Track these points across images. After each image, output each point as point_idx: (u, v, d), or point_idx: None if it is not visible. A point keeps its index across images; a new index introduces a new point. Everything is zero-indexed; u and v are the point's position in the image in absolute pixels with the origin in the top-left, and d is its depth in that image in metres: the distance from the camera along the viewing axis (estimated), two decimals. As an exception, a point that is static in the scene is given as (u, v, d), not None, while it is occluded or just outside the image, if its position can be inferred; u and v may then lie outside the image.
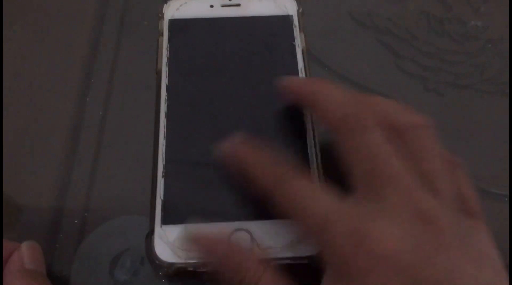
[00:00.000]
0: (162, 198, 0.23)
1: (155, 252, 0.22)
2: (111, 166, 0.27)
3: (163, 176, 0.24)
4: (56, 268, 0.24)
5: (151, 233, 0.23)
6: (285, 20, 0.29)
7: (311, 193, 0.19)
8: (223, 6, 0.30)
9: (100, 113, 0.29)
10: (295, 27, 0.29)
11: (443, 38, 0.32)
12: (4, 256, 0.21)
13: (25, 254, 0.21)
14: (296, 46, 0.28)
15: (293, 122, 0.26)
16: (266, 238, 0.22)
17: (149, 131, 0.26)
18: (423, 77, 0.31)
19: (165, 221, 0.23)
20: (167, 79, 0.27)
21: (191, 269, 0.22)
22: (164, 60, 0.28)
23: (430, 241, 0.16)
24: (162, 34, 0.29)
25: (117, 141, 0.28)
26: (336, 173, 0.24)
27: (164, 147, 0.25)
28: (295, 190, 0.19)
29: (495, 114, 0.30)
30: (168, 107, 0.26)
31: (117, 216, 0.25)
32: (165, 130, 0.25)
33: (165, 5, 0.30)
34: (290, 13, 0.29)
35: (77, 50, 0.31)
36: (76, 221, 0.25)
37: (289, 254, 0.22)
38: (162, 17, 0.29)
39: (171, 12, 0.29)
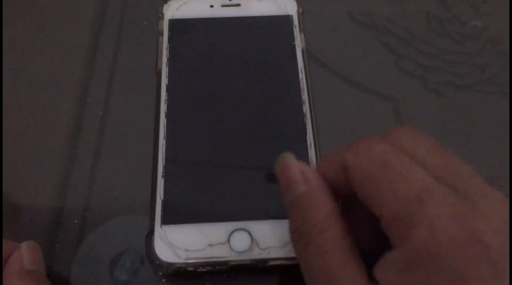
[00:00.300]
0: (162, 198, 0.23)
1: (155, 252, 0.22)
2: (111, 166, 0.27)
3: (163, 176, 0.24)
4: (56, 268, 0.24)
5: (151, 233, 0.23)
6: (285, 20, 0.29)
7: (407, 161, 0.17)
8: (223, 6, 0.30)
9: (100, 113, 0.29)
10: (295, 27, 0.29)
11: (443, 38, 0.32)
12: (4, 256, 0.21)
13: (25, 254, 0.21)
14: (296, 46, 0.28)
15: (293, 121, 0.26)
16: (266, 238, 0.22)
17: (149, 131, 0.26)
18: (423, 77, 0.31)
19: (165, 221, 0.23)
20: (167, 79, 0.27)
21: (191, 269, 0.22)
22: (164, 60, 0.28)
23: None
24: (162, 34, 0.29)
25: (117, 141, 0.28)
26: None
27: (164, 147, 0.25)
28: (389, 154, 0.17)
29: (495, 114, 0.30)
30: (168, 107, 0.26)
31: (117, 216, 0.25)
32: (165, 130, 0.25)
33: (165, 5, 0.30)
34: (290, 13, 0.29)
35: (77, 50, 0.31)
36: (76, 221, 0.25)
37: (288, 254, 0.22)
38: (162, 17, 0.29)
39: (171, 12, 0.29)
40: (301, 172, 0.19)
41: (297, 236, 0.18)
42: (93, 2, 0.33)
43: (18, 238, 0.23)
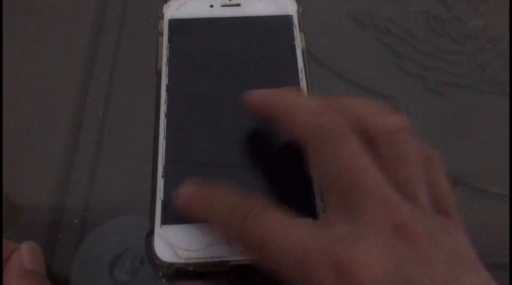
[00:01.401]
0: (162, 198, 0.23)
1: (155, 252, 0.22)
2: (111, 166, 0.27)
3: (163, 176, 0.24)
4: (56, 268, 0.24)
5: (151, 233, 0.23)
6: (285, 20, 0.29)
7: (282, 225, 0.17)
8: (223, 6, 0.30)
9: (100, 113, 0.29)
10: (295, 27, 0.29)
11: (443, 38, 0.32)
12: (4, 257, 0.21)
13: (25, 255, 0.21)
14: (296, 46, 0.28)
15: None
16: None
17: (149, 131, 0.26)
18: (423, 77, 0.31)
19: (165, 221, 0.23)
20: (167, 79, 0.27)
21: (191, 269, 0.22)
22: (164, 60, 0.28)
23: (411, 258, 0.15)
24: (162, 34, 0.29)
25: (117, 141, 0.28)
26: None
27: (164, 147, 0.25)
28: (263, 226, 0.18)
29: (495, 114, 0.30)
30: (168, 107, 0.26)
31: (117, 216, 0.25)
32: (165, 130, 0.25)
33: (165, 5, 0.30)
34: (290, 13, 0.29)
35: (77, 50, 0.31)
36: (76, 221, 0.25)
37: None
38: (162, 17, 0.29)
39: (171, 12, 0.29)
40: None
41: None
42: (93, 2, 0.33)
43: (18, 238, 0.23)
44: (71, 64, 0.30)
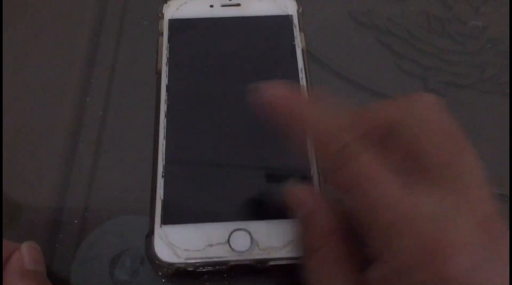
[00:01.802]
0: (162, 198, 0.23)
1: (155, 252, 0.22)
2: (111, 166, 0.27)
3: (163, 176, 0.24)
4: (56, 268, 0.24)
5: (151, 233, 0.23)
6: (285, 20, 0.29)
7: (387, 176, 0.16)
8: (223, 6, 0.30)
9: (100, 113, 0.29)
10: (295, 27, 0.29)
11: (443, 38, 0.32)
12: (4, 257, 0.21)
13: (25, 255, 0.21)
14: (296, 46, 0.28)
15: None
16: (266, 238, 0.22)
17: (149, 131, 0.26)
18: (423, 77, 0.31)
19: (165, 221, 0.23)
20: (167, 79, 0.27)
21: (191, 269, 0.22)
22: (164, 60, 0.28)
23: (492, 255, 0.15)
24: (162, 34, 0.29)
25: (117, 141, 0.28)
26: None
27: (164, 147, 0.25)
28: (368, 166, 0.17)
29: (495, 114, 0.30)
30: (168, 107, 0.26)
31: (117, 216, 0.25)
32: (165, 130, 0.25)
33: (165, 5, 0.30)
34: (290, 13, 0.29)
35: (77, 50, 0.31)
36: (76, 221, 0.25)
37: (288, 254, 0.22)
38: (162, 17, 0.29)
39: (171, 12, 0.29)
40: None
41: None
42: (93, 2, 0.33)
43: (18, 238, 0.23)
44: (71, 64, 0.30)
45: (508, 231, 0.16)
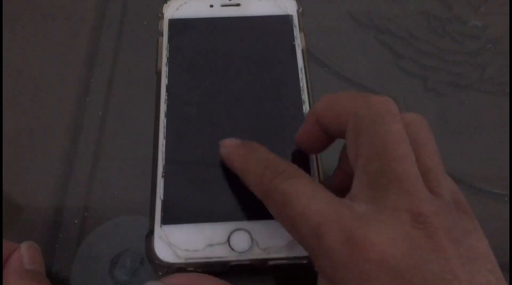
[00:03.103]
0: (162, 198, 0.23)
1: (155, 252, 0.22)
2: (111, 166, 0.27)
3: (163, 176, 0.24)
4: (56, 268, 0.24)
5: (151, 233, 0.23)
6: (285, 20, 0.29)
7: (308, 191, 0.18)
8: (223, 6, 0.30)
9: (100, 113, 0.29)
10: (295, 27, 0.29)
11: (443, 38, 0.32)
12: (3, 257, 0.21)
13: (24, 255, 0.21)
14: (296, 46, 0.28)
15: (293, 121, 0.26)
16: (266, 238, 0.22)
17: (149, 131, 0.26)
18: (423, 77, 0.31)
19: (165, 221, 0.23)
20: (167, 79, 0.27)
21: (191, 269, 0.22)
22: (164, 60, 0.28)
23: (424, 247, 0.16)
24: (162, 34, 0.29)
25: (117, 141, 0.28)
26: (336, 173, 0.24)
27: (164, 147, 0.25)
28: (290, 186, 0.18)
29: (495, 114, 0.30)
30: (168, 107, 0.26)
31: (117, 216, 0.25)
32: (165, 130, 0.25)
33: (164, 5, 0.30)
34: (290, 13, 0.29)
35: (77, 50, 0.31)
36: (76, 221, 0.25)
37: (288, 254, 0.22)
38: (162, 17, 0.29)
39: (171, 12, 0.29)
40: None
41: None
42: (93, 2, 0.33)
43: (18, 238, 0.23)
44: (71, 64, 0.30)
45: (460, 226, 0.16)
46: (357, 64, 0.31)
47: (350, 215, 0.17)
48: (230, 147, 0.23)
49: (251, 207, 0.23)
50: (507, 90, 0.30)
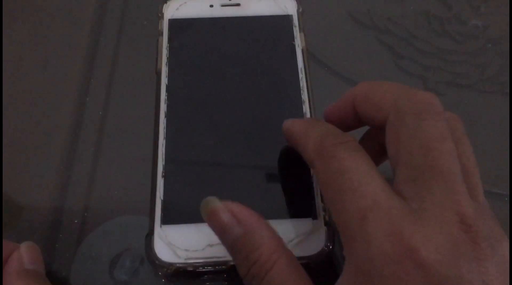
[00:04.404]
0: (162, 198, 0.23)
1: (155, 252, 0.22)
2: (111, 166, 0.27)
3: (163, 176, 0.24)
4: (56, 268, 0.24)
5: (151, 233, 0.23)
6: (285, 20, 0.29)
7: (366, 168, 0.17)
8: (222, 6, 0.30)
9: (100, 113, 0.29)
10: (295, 27, 0.29)
11: (443, 38, 0.32)
12: (3, 257, 0.21)
13: (24, 255, 0.22)
14: (296, 46, 0.28)
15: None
16: None
17: (149, 131, 0.26)
18: (423, 77, 0.31)
19: (165, 221, 0.23)
20: (167, 79, 0.27)
21: (191, 269, 0.22)
22: (164, 60, 0.28)
23: (468, 253, 0.15)
24: (162, 34, 0.29)
25: (117, 141, 0.28)
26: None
27: (164, 147, 0.25)
28: (348, 157, 0.17)
29: (495, 113, 0.29)
30: (168, 107, 0.26)
31: (117, 216, 0.25)
32: (165, 130, 0.25)
33: (164, 5, 0.30)
34: (290, 12, 0.29)
35: (77, 50, 0.31)
36: (76, 221, 0.25)
37: None
38: (161, 17, 0.29)
39: (170, 12, 0.29)
40: (233, 215, 0.18)
41: (250, 279, 0.18)
42: (93, 2, 0.33)
43: (18, 238, 0.23)
44: (71, 64, 0.30)
45: (498, 234, 0.16)
46: (357, 64, 0.31)
47: (401, 209, 0.16)
48: (292, 121, 0.22)
49: (251, 207, 0.23)
50: (507, 90, 0.30)
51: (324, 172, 0.18)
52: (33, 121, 0.28)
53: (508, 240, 0.17)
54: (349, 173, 0.17)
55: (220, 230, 0.19)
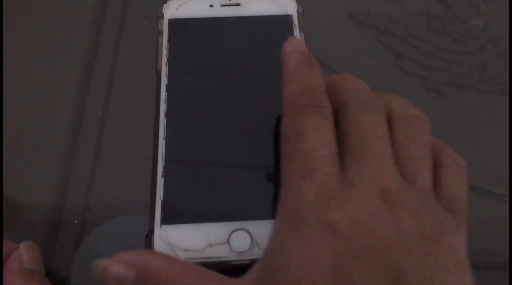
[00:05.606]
0: (162, 198, 0.23)
1: None
2: (111, 166, 0.27)
3: (163, 176, 0.24)
4: (55, 268, 0.24)
5: (151, 233, 0.23)
6: (285, 19, 0.29)
7: (319, 137, 0.18)
8: (222, 5, 0.30)
9: (100, 113, 0.29)
10: (295, 26, 0.29)
11: (443, 38, 0.32)
12: (3, 256, 0.21)
13: (23, 254, 0.22)
14: None
15: None
16: (266, 238, 0.22)
17: (149, 131, 0.26)
18: (423, 77, 0.31)
19: (165, 221, 0.23)
20: (167, 79, 0.27)
21: None
22: (164, 60, 0.28)
23: (384, 216, 0.16)
24: (162, 34, 0.29)
25: (117, 141, 0.28)
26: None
27: (164, 147, 0.25)
28: (309, 124, 0.19)
29: (495, 113, 0.30)
30: (168, 107, 0.26)
31: (117, 216, 0.25)
32: (165, 130, 0.25)
33: (164, 5, 0.30)
34: (290, 12, 0.29)
35: (77, 50, 0.31)
36: (76, 221, 0.25)
37: None
38: (161, 17, 0.29)
39: (170, 12, 0.29)
40: (122, 262, 0.19)
41: None
42: (93, 2, 0.33)
43: (18, 238, 0.23)
44: (71, 64, 0.30)
45: None
46: (357, 64, 0.31)
47: (336, 177, 0.18)
48: (295, 49, 0.23)
49: (252, 207, 0.23)
50: (507, 90, 0.30)
51: (287, 125, 0.20)
52: (33, 121, 0.28)
53: (461, 235, 0.18)
54: (307, 135, 0.19)
55: (119, 282, 0.19)
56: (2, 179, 0.26)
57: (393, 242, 0.16)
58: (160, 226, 0.23)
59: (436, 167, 0.20)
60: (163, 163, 0.24)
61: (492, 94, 0.30)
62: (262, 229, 0.23)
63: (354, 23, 0.33)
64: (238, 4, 0.30)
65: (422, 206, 0.17)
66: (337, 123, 0.20)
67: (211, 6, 0.30)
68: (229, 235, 0.22)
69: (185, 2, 0.30)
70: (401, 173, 0.18)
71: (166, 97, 0.26)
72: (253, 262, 0.22)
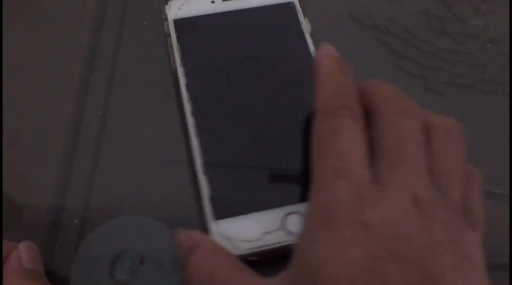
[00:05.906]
0: (210, 194, 0.23)
1: None
2: (111, 166, 0.27)
3: (204, 174, 0.24)
4: (55, 268, 0.24)
5: (205, 230, 0.23)
6: (288, 6, 0.29)
7: (353, 138, 0.19)
8: (224, 0, 0.30)
9: (100, 113, 0.29)
10: (299, 12, 0.29)
11: (443, 38, 0.32)
12: (2, 256, 0.21)
13: (23, 254, 0.22)
14: (304, 31, 0.28)
15: None
16: None
17: (149, 130, 0.26)
18: (423, 77, 0.31)
19: (219, 216, 0.23)
20: (185, 78, 0.27)
21: (254, 258, 0.22)
22: (178, 60, 0.28)
23: (416, 220, 0.16)
24: (169, 35, 0.28)
25: (117, 141, 0.28)
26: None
27: (198, 145, 0.25)
28: (344, 126, 0.19)
29: (495, 113, 0.30)
30: (193, 105, 0.26)
31: (117, 216, 0.25)
32: (195, 128, 0.25)
33: (166, 5, 0.29)
34: None
35: (77, 50, 0.31)
36: (76, 221, 0.25)
37: None
38: (165, 18, 0.29)
39: (173, 12, 0.29)
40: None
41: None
42: (93, 2, 0.33)
43: (18, 238, 0.23)
44: (71, 64, 0.30)
45: None
46: (357, 64, 0.31)
47: (369, 178, 0.18)
48: (328, 55, 0.23)
49: (300, 189, 0.23)
50: (507, 90, 0.30)
51: (321, 124, 0.20)
52: (33, 121, 0.28)
53: (469, 237, 0.18)
54: (342, 135, 0.19)
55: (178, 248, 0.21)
56: (2, 179, 0.26)
57: (427, 250, 0.16)
58: (216, 222, 0.23)
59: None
60: (201, 161, 0.24)
61: (492, 94, 0.30)
62: None
63: (354, 23, 0.33)
64: None
65: (453, 220, 0.17)
66: (367, 128, 0.20)
67: (213, 2, 0.30)
68: (284, 220, 0.22)
69: (186, 1, 0.30)
70: (433, 184, 0.18)
71: (188, 96, 0.26)
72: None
